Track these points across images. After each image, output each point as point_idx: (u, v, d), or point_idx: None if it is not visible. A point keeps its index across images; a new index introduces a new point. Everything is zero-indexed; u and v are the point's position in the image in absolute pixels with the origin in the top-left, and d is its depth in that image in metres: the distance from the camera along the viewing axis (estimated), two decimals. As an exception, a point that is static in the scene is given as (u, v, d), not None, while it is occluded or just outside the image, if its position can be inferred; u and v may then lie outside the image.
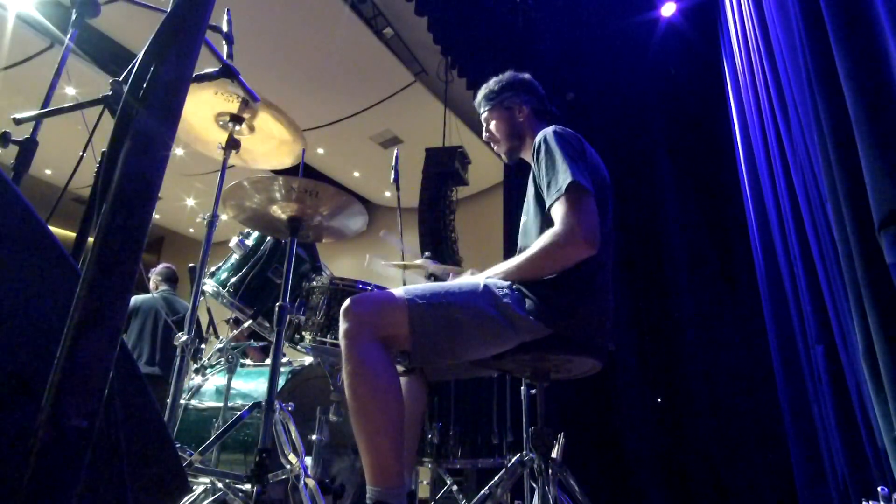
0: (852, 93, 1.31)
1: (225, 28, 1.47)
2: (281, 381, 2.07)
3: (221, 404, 1.94)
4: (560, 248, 1.32)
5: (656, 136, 3.72)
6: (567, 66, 4.05)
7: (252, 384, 2.19)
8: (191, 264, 1.86)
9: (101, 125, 1.08)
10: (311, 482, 1.51)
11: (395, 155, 2.01)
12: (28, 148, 1.29)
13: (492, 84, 1.73)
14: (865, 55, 1.31)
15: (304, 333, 1.77)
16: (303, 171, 1.97)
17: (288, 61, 6.23)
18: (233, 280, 1.98)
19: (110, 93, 1.06)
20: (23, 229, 0.60)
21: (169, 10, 0.58)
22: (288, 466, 1.54)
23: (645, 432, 3.18)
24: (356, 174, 8.79)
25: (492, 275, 1.44)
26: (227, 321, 3.21)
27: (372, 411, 1.21)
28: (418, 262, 2.24)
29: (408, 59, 6.37)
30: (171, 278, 4.05)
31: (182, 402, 2.05)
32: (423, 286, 1.39)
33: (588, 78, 4.06)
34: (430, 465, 2.14)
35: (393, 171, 2.04)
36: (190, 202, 9.40)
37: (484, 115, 1.74)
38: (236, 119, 1.94)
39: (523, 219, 1.61)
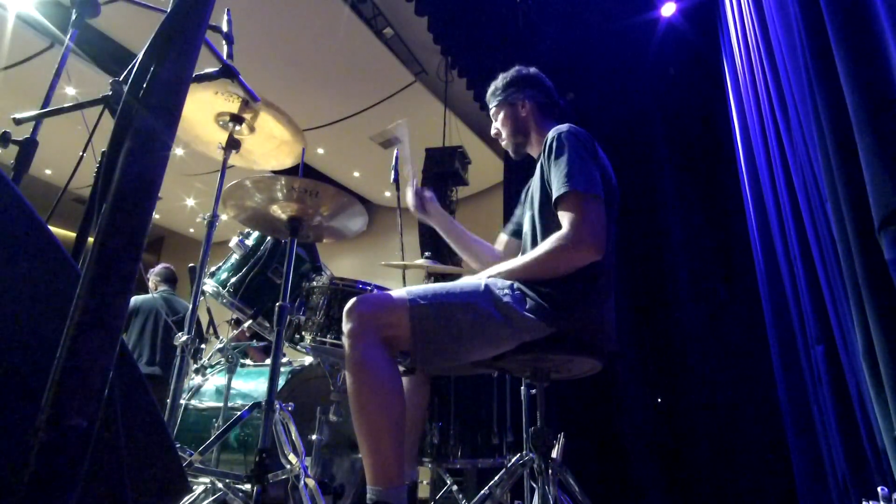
0: (852, 93, 1.31)
1: (225, 28, 1.47)
2: (281, 381, 2.07)
3: (221, 404, 1.94)
4: (566, 252, 1.34)
5: (656, 137, 3.71)
6: (567, 67, 4.04)
7: (252, 384, 2.19)
8: (191, 264, 1.86)
9: (101, 125, 1.08)
10: (311, 482, 1.51)
11: (395, 155, 2.01)
12: (28, 148, 1.29)
13: (498, 81, 1.76)
14: (865, 55, 1.30)
15: (304, 333, 1.77)
16: (303, 170, 1.97)
17: (288, 61, 6.22)
18: (233, 280, 1.98)
19: (110, 93, 1.06)
20: (23, 229, 0.60)
21: (169, 10, 0.58)
22: (288, 466, 1.54)
23: (645, 432, 3.18)
24: (356, 174, 8.78)
25: (494, 274, 1.44)
26: (228, 321, 3.21)
27: (373, 412, 1.22)
28: (418, 262, 2.24)
29: (408, 59, 6.37)
30: (169, 279, 4.05)
31: (182, 402, 2.05)
32: (424, 287, 1.39)
33: (588, 78, 4.06)
34: (430, 465, 2.13)
35: (393, 171, 2.04)
36: (190, 202, 9.39)
37: (491, 112, 1.77)
38: (236, 119, 1.94)
39: (528, 213, 1.61)
